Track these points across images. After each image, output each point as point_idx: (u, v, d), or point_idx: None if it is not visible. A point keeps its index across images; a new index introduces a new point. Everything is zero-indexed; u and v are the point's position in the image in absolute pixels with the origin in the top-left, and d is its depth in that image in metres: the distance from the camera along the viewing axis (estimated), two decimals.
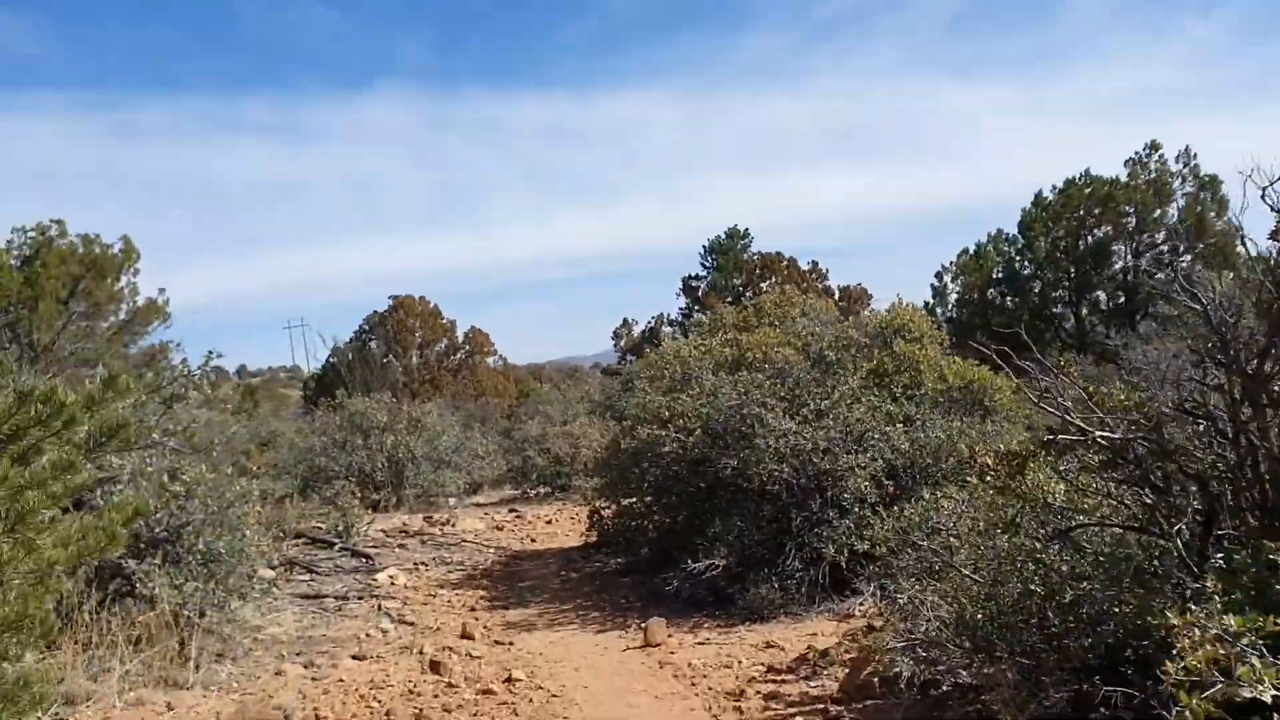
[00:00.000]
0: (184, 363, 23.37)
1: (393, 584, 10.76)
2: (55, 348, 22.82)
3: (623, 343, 37.59)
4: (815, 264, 35.64)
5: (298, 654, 7.73)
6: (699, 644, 7.61)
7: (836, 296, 35.90)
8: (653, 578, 9.80)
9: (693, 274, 36.54)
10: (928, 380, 9.86)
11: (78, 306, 26.01)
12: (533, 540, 14.92)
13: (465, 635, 8.27)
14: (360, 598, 9.90)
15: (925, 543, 6.72)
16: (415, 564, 12.15)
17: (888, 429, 8.64)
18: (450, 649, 7.75)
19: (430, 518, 16.94)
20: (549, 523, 17.43)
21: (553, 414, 25.88)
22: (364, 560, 12.10)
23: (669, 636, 7.76)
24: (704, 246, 36.46)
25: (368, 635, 8.37)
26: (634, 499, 11.33)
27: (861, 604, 8.02)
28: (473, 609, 9.55)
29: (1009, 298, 21.69)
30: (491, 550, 13.63)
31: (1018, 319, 21.15)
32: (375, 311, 40.04)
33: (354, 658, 7.58)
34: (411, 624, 8.84)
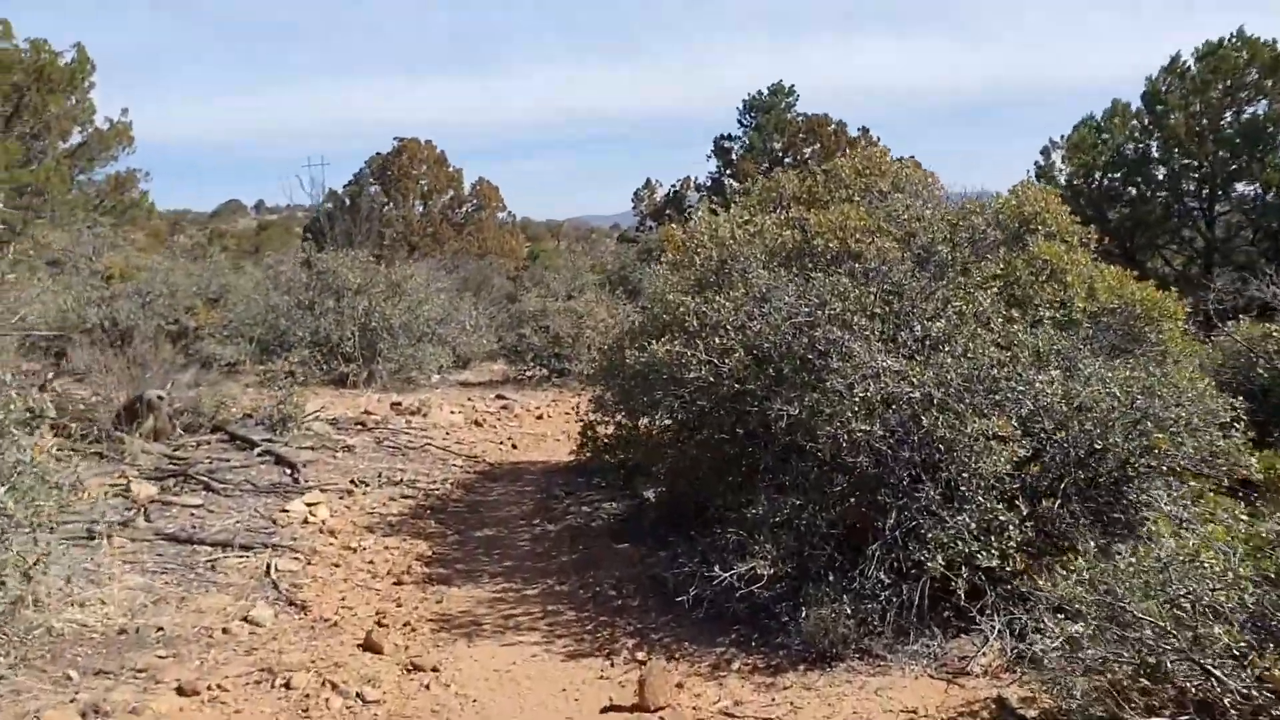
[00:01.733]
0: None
1: (308, 519, 7.97)
2: None
3: (643, 205, 34.04)
4: (866, 131, 31.87)
5: (98, 671, 4.96)
6: (727, 715, 4.75)
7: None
8: (659, 549, 6.97)
9: (726, 133, 32.85)
10: (1077, 298, 6.78)
11: (22, 125, 22.84)
12: (514, 446, 12.13)
13: (370, 646, 5.47)
14: (250, 547, 7.10)
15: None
16: (353, 482, 9.35)
17: (1035, 376, 5.60)
18: (334, 684, 4.94)
19: (399, 404, 14.14)
20: (539, 418, 14.65)
21: (557, 286, 22.84)
22: (288, 471, 9.30)
23: (677, 689, 4.93)
24: (742, 103, 32.61)
25: (226, 631, 5.57)
26: (642, 420, 8.45)
27: (979, 649, 5.17)
28: (400, 580, 6.75)
29: (1132, 185, 17.89)
30: (459, 462, 10.85)
31: (1143, 214, 17.56)
32: (378, 154, 36.63)
33: (178, 691, 4.79)
34: (302, 608, 6.04)
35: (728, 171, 32.62)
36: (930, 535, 5.20)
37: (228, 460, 9.46)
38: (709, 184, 32.85)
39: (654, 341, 6.81)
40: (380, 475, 9.69)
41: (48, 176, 21.09)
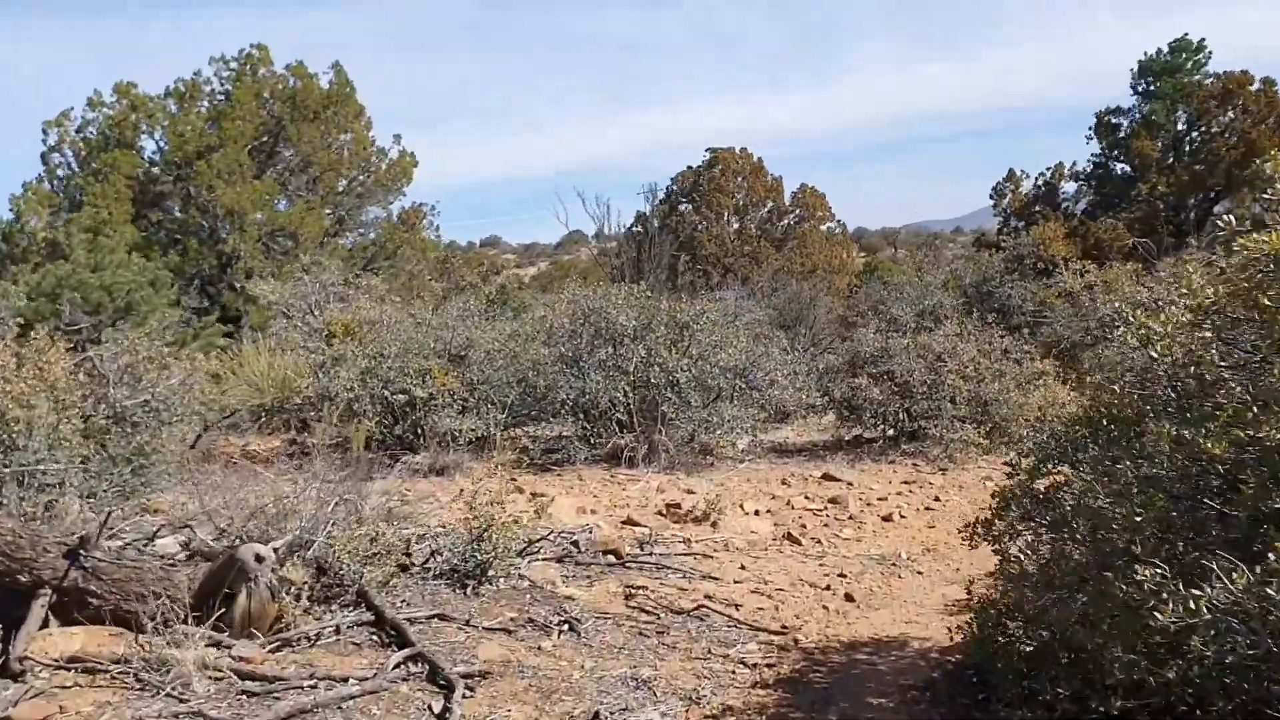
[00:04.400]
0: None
1: None
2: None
3: (1006, 202, 27.84)
4: None
5: None
6: None
7: None
8: None
9: (1113, 106, 26.09)
10: None
11: (282, 161, 20.93)
12: (849, 598, 7.32)
13: None
14: None
15: None
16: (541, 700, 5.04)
17: None
18: None
19: (677, 507, 9.82)
20: (886, 520, 9.81)
21: (899, 310, 17.71)
22: (436, 704, 5.13)
23: None
24: (1135, 68, 25.75)
25: None
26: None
27: None
28: None
29: None
30: (754, 647, 6.23)
31: None
32: (688, 168, 33.06)
33: None
34: None
35: (1114, 154, 25.88)
36: None
37: (338, 680, 5.39)
38: (1089, 171, 26.26)
39: None
40: (602, 706, 5.26)
41: (301, 219, 19.04)
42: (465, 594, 6.68)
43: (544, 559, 7.80)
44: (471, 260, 28.75)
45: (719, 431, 12.19)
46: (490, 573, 6.90)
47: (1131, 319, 4.60)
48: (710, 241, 30.58)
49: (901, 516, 9.92)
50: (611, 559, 7.93)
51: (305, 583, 6.36)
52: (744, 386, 12.66)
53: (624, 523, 9.16)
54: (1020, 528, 4.89)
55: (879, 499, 10.56)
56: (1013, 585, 4.96)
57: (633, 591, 7.03)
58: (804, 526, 9.40)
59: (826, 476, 11.60)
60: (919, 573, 8.04)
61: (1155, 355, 4.42)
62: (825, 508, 10.15)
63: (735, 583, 7.49)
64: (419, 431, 11.86)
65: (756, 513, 9.89)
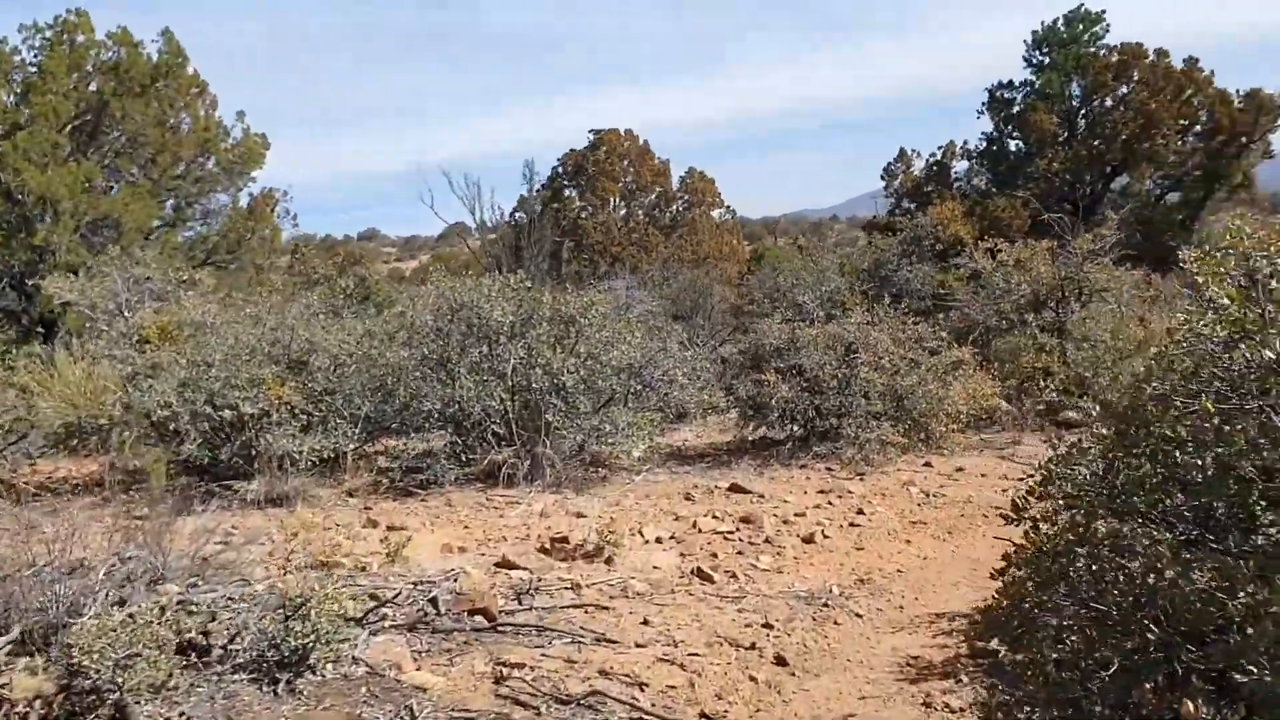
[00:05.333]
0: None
1: None
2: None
3: (899, 183, 26.82)
4: (1194, 61, 23.73)
5: None
6: None
7: (1236, 105, 23.96)
8: None
9: (1005, 80, 25.31)
10: None
11: (108, 141, 18.47)
12: (780, 661, 5.80)
13: None
14: None
15: None
16: None
17: None
18: None
19: (563, 541, 8.22)
20: (808, 541, 8.39)
21: (803, 298, 16.44)
22: None
23: None
24: (1029, 39, 25.02)
25: None
26: None
27: None
28: None
29: None
30: None
31: None
32: (571, 151, 31.36)
33: None
34: None
35: (1009, 129, 25.17)
36: None
37: None
38: (981, 148, 25.52)
39: None
40: None
41: (126, 205, 16.68)
42: (276, 693, 4.96)
43: (392, 626, 6.13)
44: (327, 252, 26.41)
45: (612, 441, 10.61)
46: (313, 659, 5.18)
47: (1216, 304, 3.20)
48: (596, 228, 28.98)
49: (825, 536, 8.52)
50: (481, 620, 6.29)
51: (43, 697, 4.58)
52: (639, 388, 11.13)
53: (499, 565, 7.53)
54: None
55: (796, 515, 9.16)
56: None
57: (505, 672, 5.40)
58: (715, 556, 7.92)
59: (734, 488, 10.17)
60: (858, 615, 6.62)
61: (1248, 355, 3.05)
62: (737, 529, 8.69)
63: (638, 646, 5.93)
64: (251, 454, 9.97)
65: (659, 540, 8.36)
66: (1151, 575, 2.92)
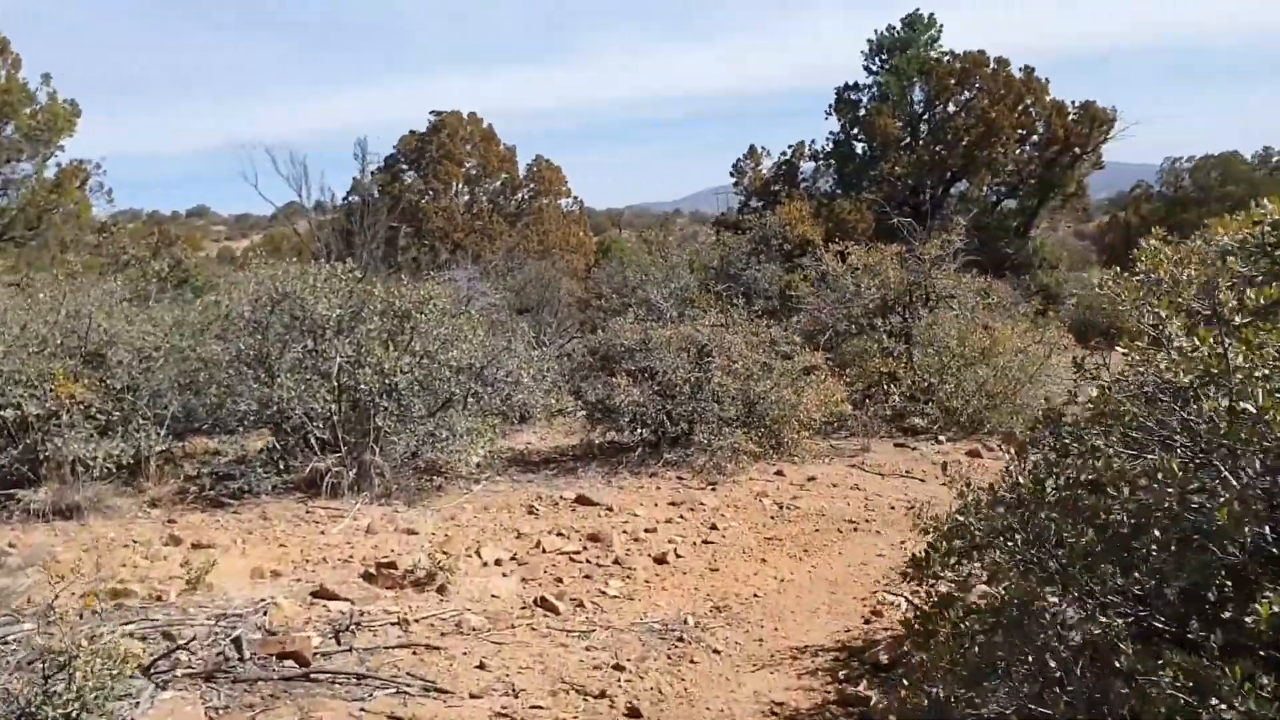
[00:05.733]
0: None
1: None
2: None
3: (747, 181, 26.65)
4: (1031, 70, 24.44)
5: None
6: None
7: (1070, 117, 24.78)
8: None
9: (851, 82, 25.50)
10: None
11: None
12: (633, 713, 5.21)
13: None
14: None
15: None
16: None
17: None
18: None
19: (390, 566, 7.38)
20: (661, 563, 7.84)
21: (654, 294, 15.92)
22: None
23: None
24: (869, 43, 25.23)
25: None
26: None
27: None
28: None
29: None
30: None
31: None
32: (411, 133, 30.02)
33: None
34: None
35: (855, 132, 25.37)
36: None
37: None
38: (830, 149, 25.64)
39: None
40: None
41: None
42: None
43: (186, 674, 5.22)
44: (150, 230, 24.35)
45: (449, 448, 9.79)
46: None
47: (1174, 343, 2.72)
48: (438, 214, 27.77)
49: (678, 556, 7.98)
50: (292, 665, 5.45)
51: None
52: (481, 389, 10.34)
53: (316, 594, 6.66)
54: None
55: (647, 531, 8.59)
56: None
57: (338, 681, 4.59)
58: (560, 582, 7.26)
59: (581, 500, 9.52)
60: (715, 651, 6.07)
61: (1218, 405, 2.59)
62: (584, 548, 8.05)
63: (473, 697, 5.21)
64: (38, 458, 8.73)
65: (498, 562, 7.64)
66: (1112, 675, 2.38)
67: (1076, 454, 3.21)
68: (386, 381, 9.47)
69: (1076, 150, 24.60)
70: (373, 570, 7.24)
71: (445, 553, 7.50)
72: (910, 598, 6.98)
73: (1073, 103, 24.51)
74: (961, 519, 3.35)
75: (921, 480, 10.77)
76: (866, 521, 9.17)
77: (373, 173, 28.18)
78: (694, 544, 8.33)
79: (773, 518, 9.26)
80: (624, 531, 8.51)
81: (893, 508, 9.62)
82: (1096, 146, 24.76)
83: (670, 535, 8.50)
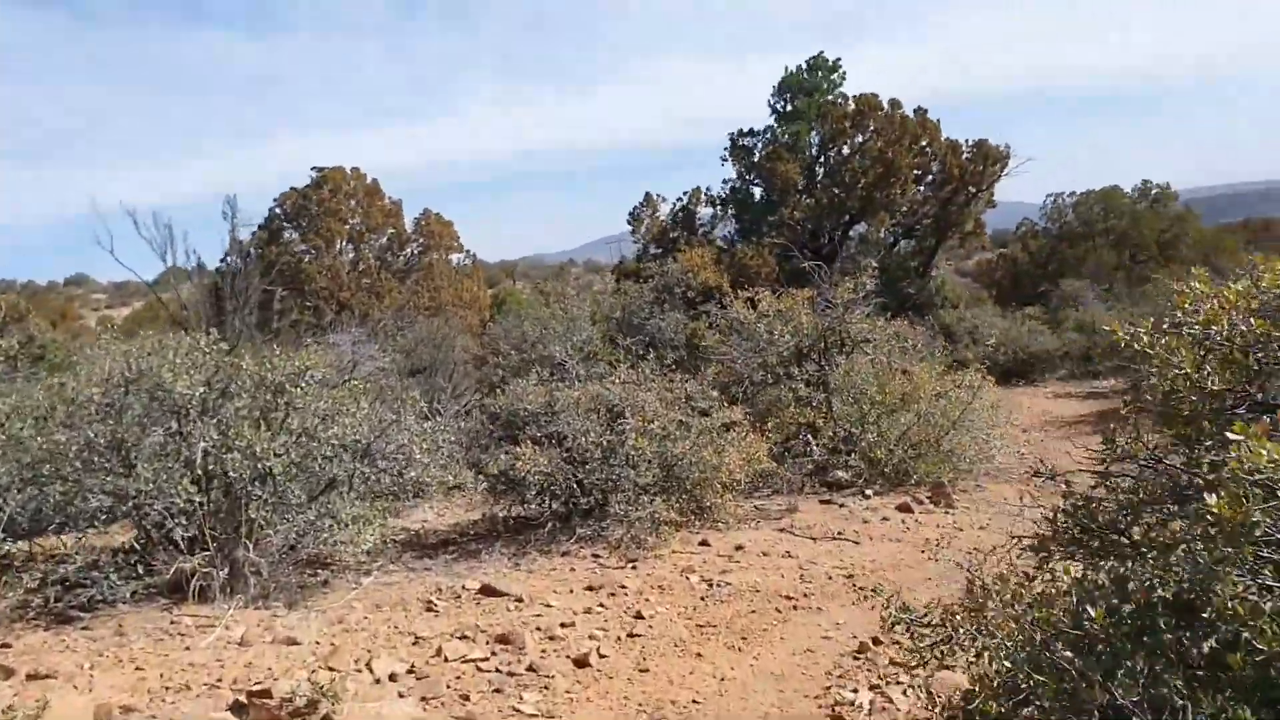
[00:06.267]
0: None
1: None
2: None
3: (644, 228, 26.00)
4: (924, 111, 24.49)
5: None
6: None
7: (965, 155, 24.86)
8: None
9: (746, 128, 25.16)
10: None
11: None
12: None
13: None
14: None
15: None
16: None
17: None
18: None
19: (264, 695, 6.21)
20: (581, 664, 6.82)
21: (555, 349, 14.99)
22: None
23: None
24: (774, 88, 24.94)
25: None
26: None
27: None
28: None
29: None
30: None
31: None
32: (292, 189, 28.64)
33: None
34: None
35: (752, 177, 24.99)
36: None
37: None
38: (726, 195, 25.21)
39: None
40: None
41: None
42: None
43: None
44: (27, 300, 22.35)
45: (335, 537, 8.64)
46: None
47: None
48: (321, 273, 26.40)
49: (601, 655, 6.99)
50: None
51: None
52: (367, 470, 9.23)
53: None
54: None
55: (563, 625, 7.58)
56: None
57: None
58: (466, 700, 6.20)
59: (486, 590, 8.47)
60: None
61: None
62: (493, 653, 6.99)
63: None
64: None
65: (393, 678, 6.54)
66: None
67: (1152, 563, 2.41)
68: (259, 466, 8.29)
69: (971, 189, 24.78)
70: (244, 700, 6.07)
71: (331, 668, 6.41)
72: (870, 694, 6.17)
73: (966, 141, 24.82)
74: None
75: (855, 543, 10.01)
76: (805, 596, 8.33)
77: (253, 232, 26.66)
78: (618, 639, 7.36)
79: (703, 598, 8.35)
80: (537, 629, 7.49)
81: (830, 577, 8.82)
82: (991, 184, 24.99)
83: (590, 629, 7.51)
